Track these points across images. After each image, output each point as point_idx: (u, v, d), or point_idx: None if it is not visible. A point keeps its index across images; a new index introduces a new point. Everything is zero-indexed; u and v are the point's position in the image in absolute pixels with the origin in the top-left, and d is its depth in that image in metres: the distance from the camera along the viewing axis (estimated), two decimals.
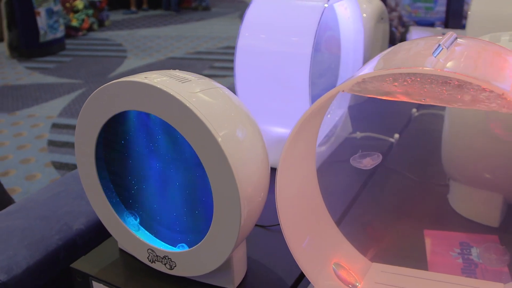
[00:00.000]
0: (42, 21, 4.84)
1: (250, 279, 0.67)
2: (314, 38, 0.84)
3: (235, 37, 0.92)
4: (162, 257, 0.66)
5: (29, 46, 4.85)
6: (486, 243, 0.71)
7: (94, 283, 0.69)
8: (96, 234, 0.82)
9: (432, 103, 0.46)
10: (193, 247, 0.62)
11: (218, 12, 7.50)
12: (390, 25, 1.53)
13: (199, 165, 0.57)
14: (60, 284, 0.77)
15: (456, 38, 0.51)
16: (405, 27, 3.14)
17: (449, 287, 0.60)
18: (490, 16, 0.98)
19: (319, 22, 0.85)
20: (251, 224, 0.61)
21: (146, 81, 0.57)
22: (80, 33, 5.87)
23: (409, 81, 0.44)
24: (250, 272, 0.68)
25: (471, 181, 0.79)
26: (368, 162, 0.61)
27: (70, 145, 2.90)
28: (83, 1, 5.87)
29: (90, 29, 6.05)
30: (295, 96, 0.88)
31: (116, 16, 7.06)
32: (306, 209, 0.62)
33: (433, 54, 0.45)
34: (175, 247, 0.66)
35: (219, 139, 0.54)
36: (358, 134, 1.09)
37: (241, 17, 0.94)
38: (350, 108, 1.11)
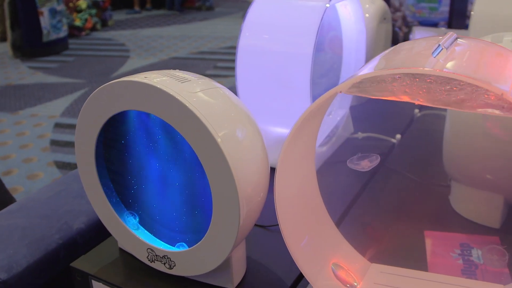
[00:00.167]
0: (45, 20, 4.85)
1: (250, 279, 0.67)
2: (315, 38, 0.84)
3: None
4: (161, 256, 0.66)
5: (32, 45, 4.86)
6: (490, 245, 0.71)
7: (94, 282, 0.69)
8: (97, 233, 0.83)
9: (430, 105, 0.46)
10: (192, 247, 0.62)
11: (222, 12, 7.50)
12: (394, 25, 1.52)
13: (198, 165, 0.57)
14: (60, 283, 0.77)
15: (456, 38, 0.50)
16: (409, 27, 3.13)
17: None
18: (493, 16, 0.98)
19: (320, 22, 0.84)
20: (250, 224, 0.61)
21: (145, 81, 0.57)
22: (83, 32, 5.88)
23: (408, 82, 0.44)
24: (249, 272, 0.68)
25: (472, 182, 0.79)
26: (366, 164, 0.61)
27: (72, 145, 2.90)
28: (86, 1, 5.88)
29: (93, 29, 6.06)
30: (296, 96, 0.88)
31: (119, 16, 7.07)
32: (305, 209, 0.62)
33: (432, 54, 0.45)
34: (175, 246, 0.66)
35: (219, 140, 0.54)
36: (360, 135, 1.09)
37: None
38: (352, 108, 1.11)
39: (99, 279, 0.68)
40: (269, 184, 0.62)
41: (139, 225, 0.69)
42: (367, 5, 1.21)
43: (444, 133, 0.81)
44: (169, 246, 0.67)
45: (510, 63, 0.49)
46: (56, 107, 3.54)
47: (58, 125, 3.21)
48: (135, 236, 0.68)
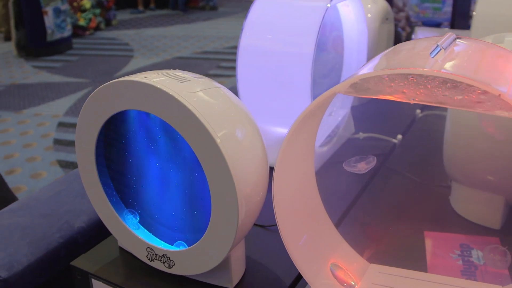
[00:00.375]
0: (49, 20, 4.86)
1: (249, 279, 0.67)
2: (316, 38, 0.84)
3: None
4: (161, 255, 0.66)
5: (36, 45, 4.88)
6: (491, 245, 0.71)
7: (94, 281, 0.69)
8: (97, 232, 0.83)
9: (427, 104, 0.46)
10: (192, 246, 0.62)
11: (225, 11, 7.50)
12: (397, 26, 1.52)
13: (198, 164, 0.57)
14: (61, 282, 0.78)
15: (455, 38, 0.50)
16: (412, 27, 3.12)
17: None
18: (495, 17, 0.98)
19: (321, 22, 0.85)
20: (249, 223, 0.61)
21: (145, 80, 0.57)
22: (87, 32, 5.89)
23: (406, 82, 0.44)
24: (248, 272, 0.68)
25: (473, 182, 0.79)
26: (363, 167, 0.61)
27: None
28: (90, 0, 5.90)
29: (97, 28, 6.07)
30: (296, 96, 0.88)
31: (123, 15, 7.08)
32: (304, 209, 0.62)
33: (430, 55, 0.45)
34: (174, 245, 0.67)
35: (218, 140, 0.54)
36: (361, 135, 1.09)
37: None
38: (353, 108, 1.11)
39: (99, 278, 0.69)
40: (268, 184, 0.63)
41: (139, 225, 0.70)
42: (369, 5, 1.21)
43: (445, 134, 0.81)
44: (168, 245, 0.67)
45: (509, 64, 0.49)
46: (59, 107, 3.55)
47: (61, 124, 3.22)
48: (135, 235, 0.68)
